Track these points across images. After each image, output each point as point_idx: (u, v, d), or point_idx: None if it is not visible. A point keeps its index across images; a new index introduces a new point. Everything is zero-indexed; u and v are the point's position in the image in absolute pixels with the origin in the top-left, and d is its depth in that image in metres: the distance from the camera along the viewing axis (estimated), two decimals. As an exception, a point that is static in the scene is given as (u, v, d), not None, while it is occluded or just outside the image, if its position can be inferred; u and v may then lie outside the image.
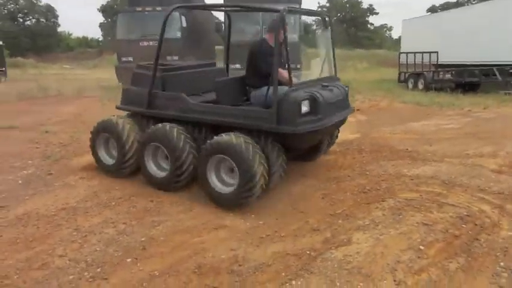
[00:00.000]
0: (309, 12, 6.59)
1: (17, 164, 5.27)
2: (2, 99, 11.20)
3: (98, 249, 3.05)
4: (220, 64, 14.47)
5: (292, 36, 12.40)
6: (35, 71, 25.99)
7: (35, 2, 43.93)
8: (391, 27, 51.56)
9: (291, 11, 4.19)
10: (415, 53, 15.08)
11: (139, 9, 13.67)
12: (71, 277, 2.67)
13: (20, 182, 4.65)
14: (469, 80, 13.40)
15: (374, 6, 47.71)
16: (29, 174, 4.88)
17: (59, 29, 47.90)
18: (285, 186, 4.13)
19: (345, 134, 6.30)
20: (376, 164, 4.85)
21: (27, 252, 3.04)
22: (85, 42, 48.83)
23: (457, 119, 7.80)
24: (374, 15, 49.00)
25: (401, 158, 5.11)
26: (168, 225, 3.43)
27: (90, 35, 50.11)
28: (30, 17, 44.50)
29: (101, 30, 47.11)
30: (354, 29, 45.23)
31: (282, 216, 3.53)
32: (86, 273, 2.71)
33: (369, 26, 48.70)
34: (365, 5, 47.08)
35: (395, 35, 50.58)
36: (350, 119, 7.88)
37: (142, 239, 3.18)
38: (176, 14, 13.12)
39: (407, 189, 4.04)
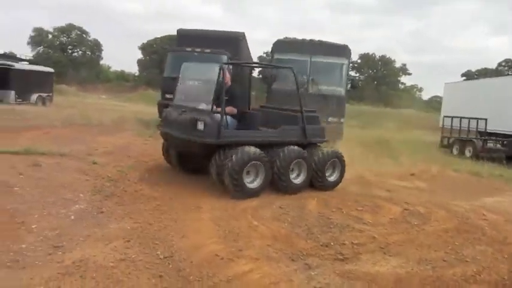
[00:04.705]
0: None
1: (68, 196, 4.99)
2: (50, 124, 11.30)
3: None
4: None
5: (339, 90, 12.20)
6: (76, 99, 26.81)
7: (84, 36, 46.65)
8: (421, 88, 51.27)
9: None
10: (461, 117, 14.59)
11: (189, 49, 13.88)
12: None
13: (72, 217, 4.36)
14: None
15: (407, 67, 47.88)
16: (81, 210, 4.59)
17: (101, 62, 50.21)
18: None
19: (413, 203, 5.80)
20: (472, 248, 4.20)
21: (89, 315, 2.63)
22: (122, 76, 50.70)
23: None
24: (407, 76, 48.80)
25: (500, 248, 4.28)
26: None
27: (126, 70, 52.00)
28: (78, 50, 47.20)
29: (138, 65, 48.88)
30: (384, 87, 45.23)
31: None
32: None
33: (400, 85, 48.78)
34: (398, 64, 47.32)
35: (425, 96, 50.31)
36: (409, 185, 7.43)
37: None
38: (224, 57, 13.25)
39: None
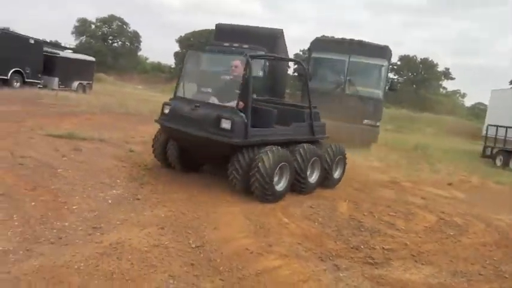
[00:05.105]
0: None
1: (106, 181, 5.20)
2: (90, 111, 11.76)
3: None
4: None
5: (376, 92, 11.91)
6: (113, 88, 27.68)
7: (125, 27, 48.08)
8: (464, 94, 48.92)
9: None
10: (507, 127, 13.91)
11: (227, 44, 13.96)
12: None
13: (109, 201, 4.53)
14: None
15: (451, 71, 45.83)
16: (118, 195, 4.76)
17: (139, 53, 51.46)
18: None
19: (450, 213, 5.65)
20: (512, 264, 4.05)
21: (125, 294, 2.75)
22: (158, 67, 51.72)
23: None
24: (449, 80, 46.64)
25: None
26: None
27: (163, 61, 52.93)
28: (118, 40, 48.67)
29: (174, 58, 49.70)
30: (423, 91, 43.65)
31: None
32: None
33: (441, 90, 46.93)
34: (441, 68, 45.39)
35: (468, 102, 48.11)
36: (446, 194, 7.20)
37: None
38: (261, 53, 13.23)
39: None
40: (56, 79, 19.19)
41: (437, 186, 7.68)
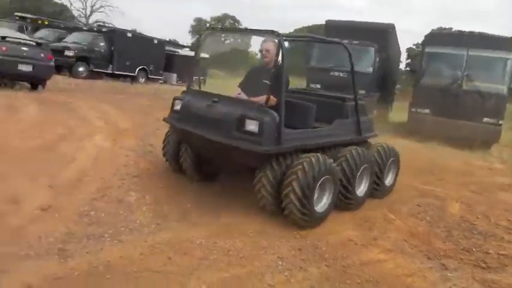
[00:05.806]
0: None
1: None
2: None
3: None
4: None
5: (500, 88, 10.75)
6: (223, 82, 29.38)
7: (236, 25, 51.00)
8: None
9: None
10: None
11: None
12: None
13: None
14: None
15: None
16: (228, 183, 5.07)
17: (249, 49, 53.86)
18: None
19: None
20: None
21: (240, 269, 3.11)
22: (266, 63, 53.43)
23: None
24: None
25: None
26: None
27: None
28: (230, 38, 51.67)
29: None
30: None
31: None
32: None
33: None
34: None
35: None
36: None
37: None
38: (371, 49, 12.91)
39: None
40: (175, 75, 21.23)
41: None
